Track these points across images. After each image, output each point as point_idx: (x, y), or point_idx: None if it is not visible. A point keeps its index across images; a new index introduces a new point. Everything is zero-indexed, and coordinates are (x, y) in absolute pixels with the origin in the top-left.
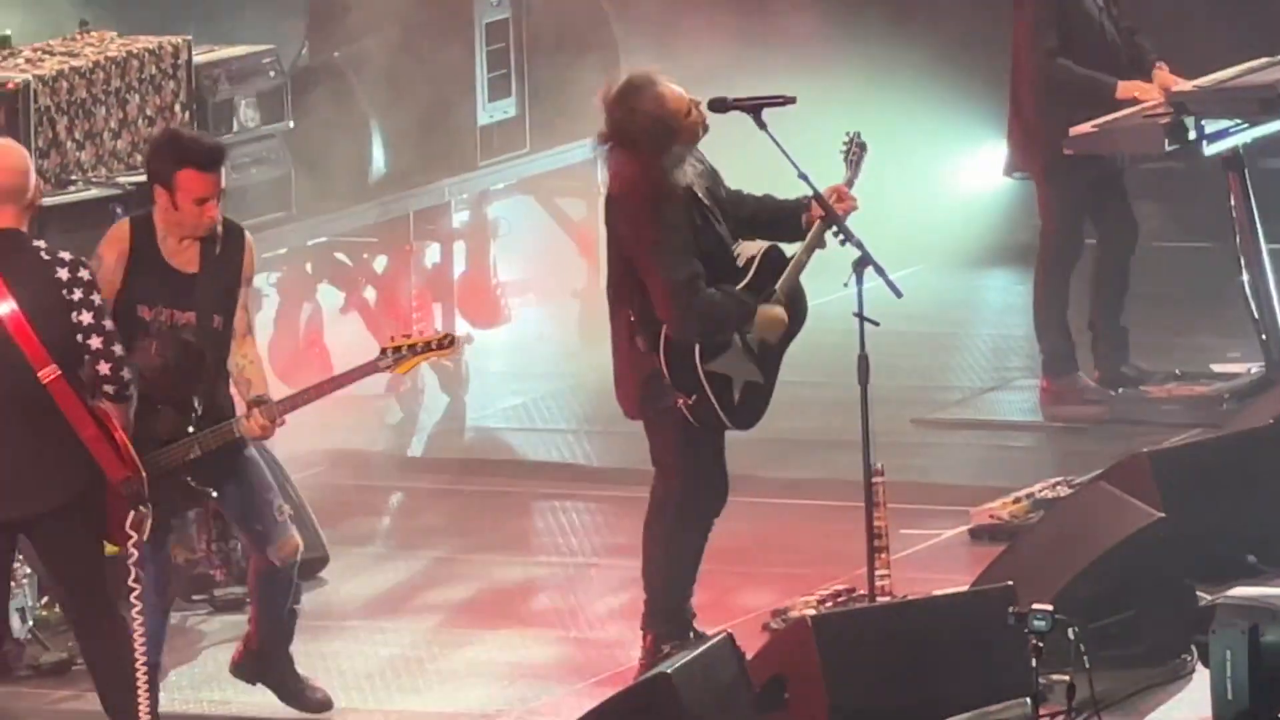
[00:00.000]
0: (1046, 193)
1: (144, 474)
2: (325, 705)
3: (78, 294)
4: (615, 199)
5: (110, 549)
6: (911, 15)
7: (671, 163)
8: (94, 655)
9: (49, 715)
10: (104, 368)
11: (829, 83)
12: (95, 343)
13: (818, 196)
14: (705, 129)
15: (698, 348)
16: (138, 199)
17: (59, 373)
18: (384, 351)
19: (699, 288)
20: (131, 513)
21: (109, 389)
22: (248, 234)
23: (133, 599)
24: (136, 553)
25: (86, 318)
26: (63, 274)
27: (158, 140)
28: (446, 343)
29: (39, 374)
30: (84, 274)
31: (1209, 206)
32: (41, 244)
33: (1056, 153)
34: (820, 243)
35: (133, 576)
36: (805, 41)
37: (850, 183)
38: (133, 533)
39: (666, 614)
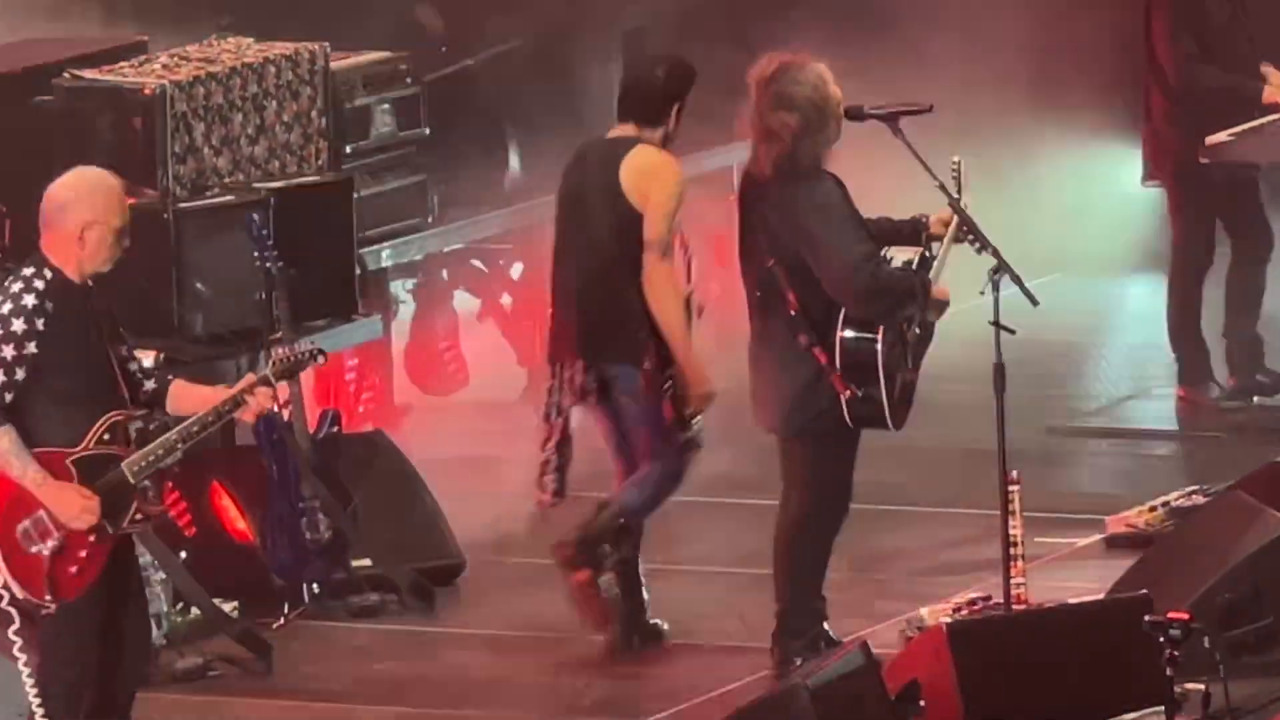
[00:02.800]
0: (1177, 199)
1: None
2: None
3: None
4: (769, 183)
5: None
6: (1052, 18)
7: (822, 147)
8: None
9: None
10: None
11: (969, 89)
12: None
13: (953, 204)
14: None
15: (880, 334)
16: (278, 204)
17: None
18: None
19: (879, 261)
20: None
21: None
22: None
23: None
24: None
25: None
26: None
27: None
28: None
29: None
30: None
31: None
32: (18, 270)
33: (1186, 159)
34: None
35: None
36: (943, 48)
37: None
38: None
39: (797, 629)
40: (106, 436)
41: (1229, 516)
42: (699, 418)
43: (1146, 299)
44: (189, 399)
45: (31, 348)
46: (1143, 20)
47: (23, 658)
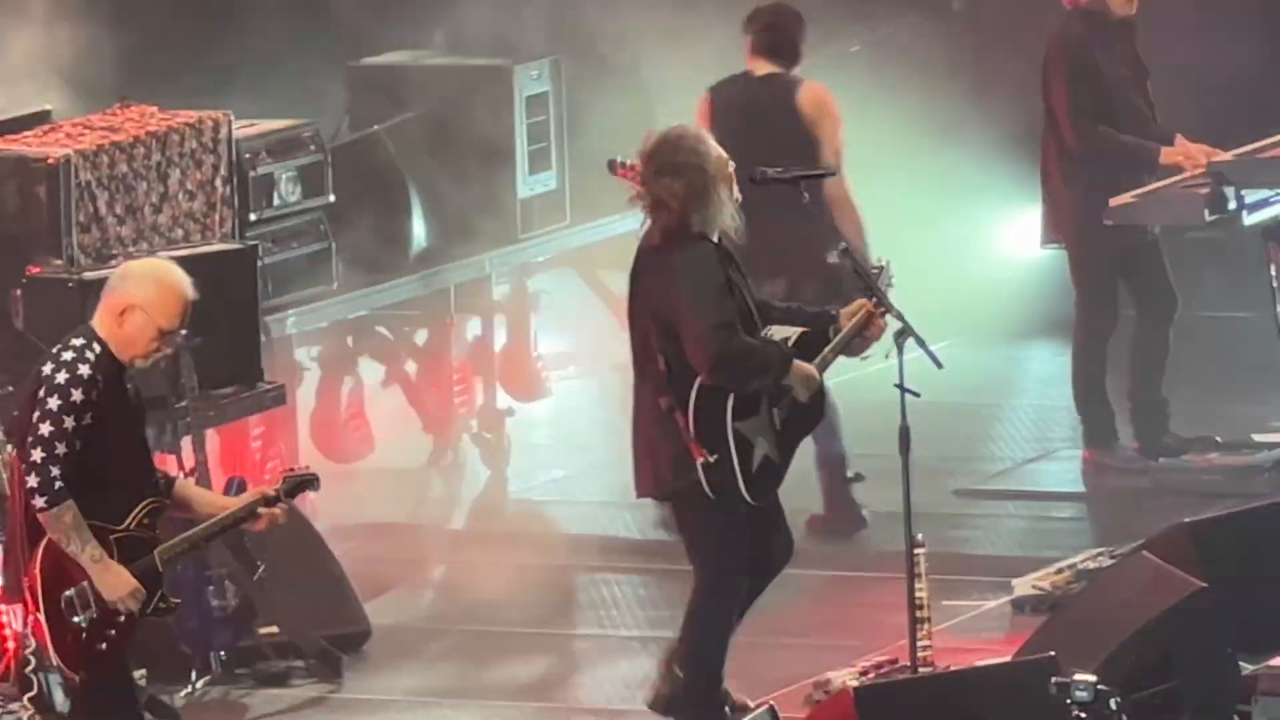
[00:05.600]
0: (1078, 261)
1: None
2: None
3: (41, 393)
4: (648, 250)
5: None
6: (950, 83)
7: (710, 211)
8: None
9: None
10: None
11: (867, 153)
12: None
13: (857, 267)
14: (739, 199)
15: (730, 400)
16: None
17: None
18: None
19: (735, 330)
20: None
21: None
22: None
23: None
24: None
25: (39, 426)
26: (45, 369)
27: None
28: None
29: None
30: (52, 373)
31: (1249, 275)
32: (68, 340)
33: (1086, 221)
34: (849, 344)
35: None
36: (846, 111)
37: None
38: None
39: (699, 696)
40: (146, 521)
41: (1136, 578)
42: None
43: (1051, 361)
44: (193, 502)
45: (88, 419)
46: (1040, 81)
47: None
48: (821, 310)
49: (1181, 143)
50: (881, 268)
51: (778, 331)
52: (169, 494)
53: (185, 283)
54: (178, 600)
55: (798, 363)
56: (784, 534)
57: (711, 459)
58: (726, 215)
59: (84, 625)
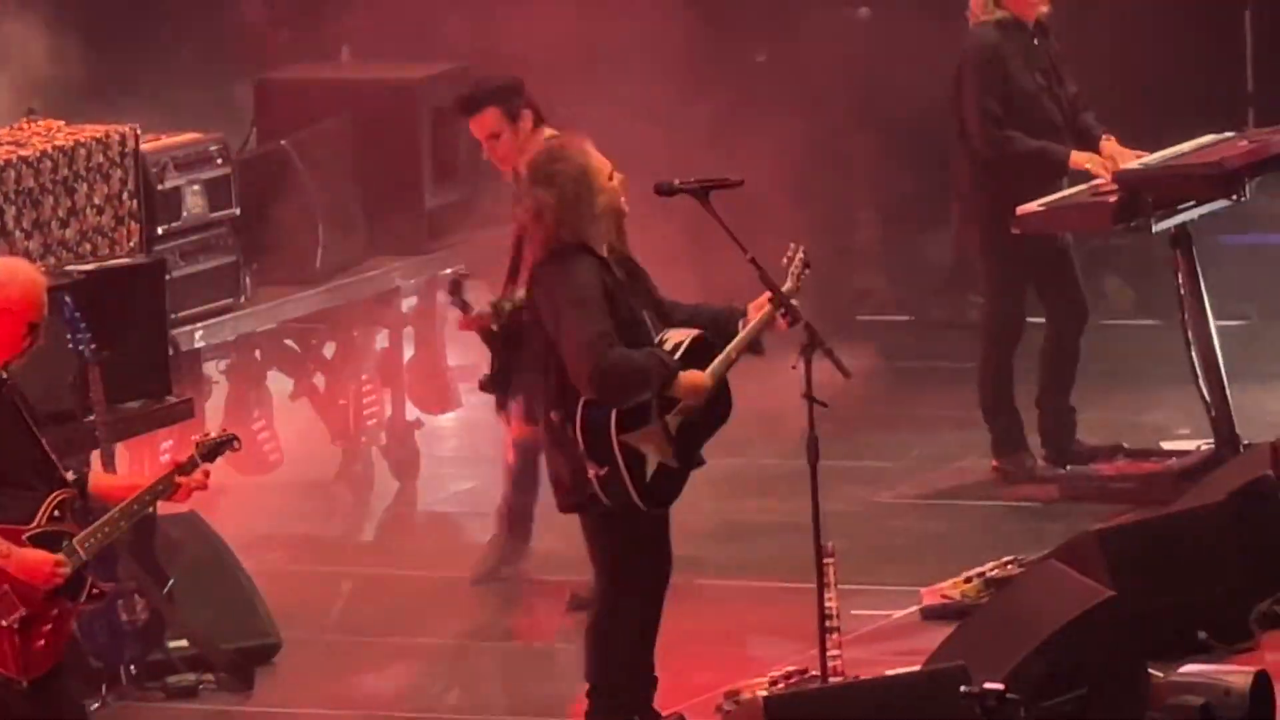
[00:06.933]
0: (986, 268)
1: None
2: None
3: None
4: (534, 266)
5: None
6: (857, 94)
7: (589, 223)
8: None
9: None
10: None
11: (777, 162)
12: None
13: (764, 278)
14: (624, 211)
15: (614, 415)
16: (90, 286)
17: None
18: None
19: (612, 343)
20: None
21: None
22: None
23: None
24: None
25: None
26: None
27: None
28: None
29: None
30: None
31: (1158, 283)
32: None
33: (994, 228)
34: (758, 344)
35: None
36: (752, 121)
37: (792, 292)
38: None
39: (606, 708)
40: (56, 514)
41: (1044, 586)
42: None
43: (958, 369)
44: (109, 488)
45: None
46: (953, 91)
47: None
48: (729, 306)
49: (1108, 147)
50: (793, 252)
51: (674, 334)
52: (83, 490)
53: (36, 273)
54: (111, 584)
55: (684, 373)
56: (668, 547)
57: (602, 472)
58: (604, 226)
59: (15, 627)
